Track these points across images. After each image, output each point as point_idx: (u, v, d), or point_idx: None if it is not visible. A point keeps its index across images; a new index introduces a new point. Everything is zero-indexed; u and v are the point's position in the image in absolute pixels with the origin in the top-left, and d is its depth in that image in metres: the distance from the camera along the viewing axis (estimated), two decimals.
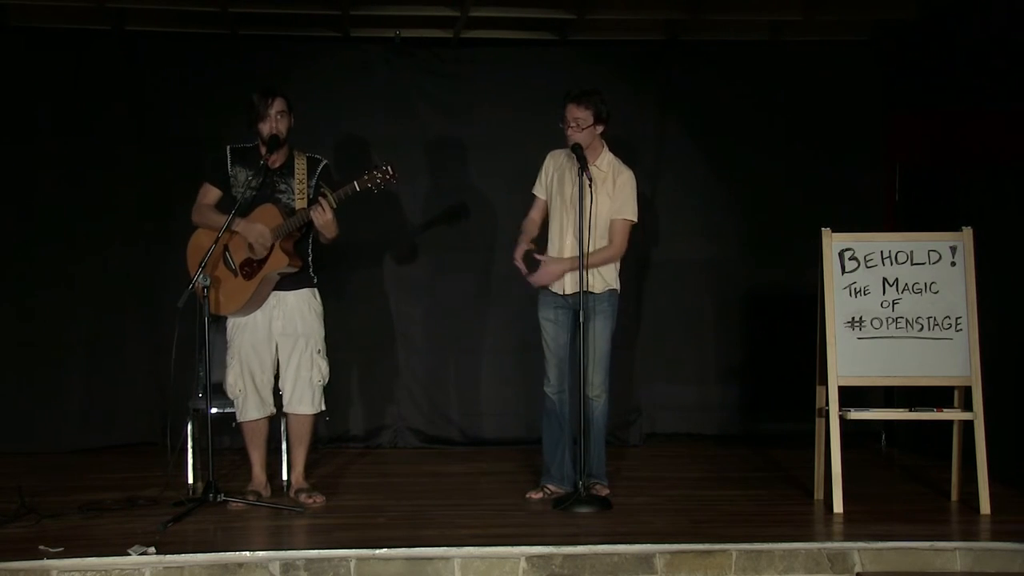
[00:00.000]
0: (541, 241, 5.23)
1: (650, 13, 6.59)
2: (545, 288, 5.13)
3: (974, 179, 6.26)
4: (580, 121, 4.95)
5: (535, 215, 5.24)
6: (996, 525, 4.67)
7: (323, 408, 5.13)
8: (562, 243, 5.07)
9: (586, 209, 4.87)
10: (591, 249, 4.97)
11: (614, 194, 5.06)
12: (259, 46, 6.68)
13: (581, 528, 4.61)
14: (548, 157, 5.22)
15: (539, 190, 5.23)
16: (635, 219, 5.13)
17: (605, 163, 5.10)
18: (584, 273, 4.91)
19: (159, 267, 6.45)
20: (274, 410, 5.12)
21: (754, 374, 6.87)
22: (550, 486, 5.12)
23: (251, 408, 5.04)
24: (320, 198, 4.86)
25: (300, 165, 5.03)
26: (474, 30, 6.69)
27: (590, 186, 4.87)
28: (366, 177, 4.85)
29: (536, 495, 5.10)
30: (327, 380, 5.12)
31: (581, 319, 4.89)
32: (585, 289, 4.95)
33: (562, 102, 5.02)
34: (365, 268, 6.71)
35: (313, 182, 5.01)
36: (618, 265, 5.15)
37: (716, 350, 6.95)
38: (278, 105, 4.94)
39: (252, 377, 5.02)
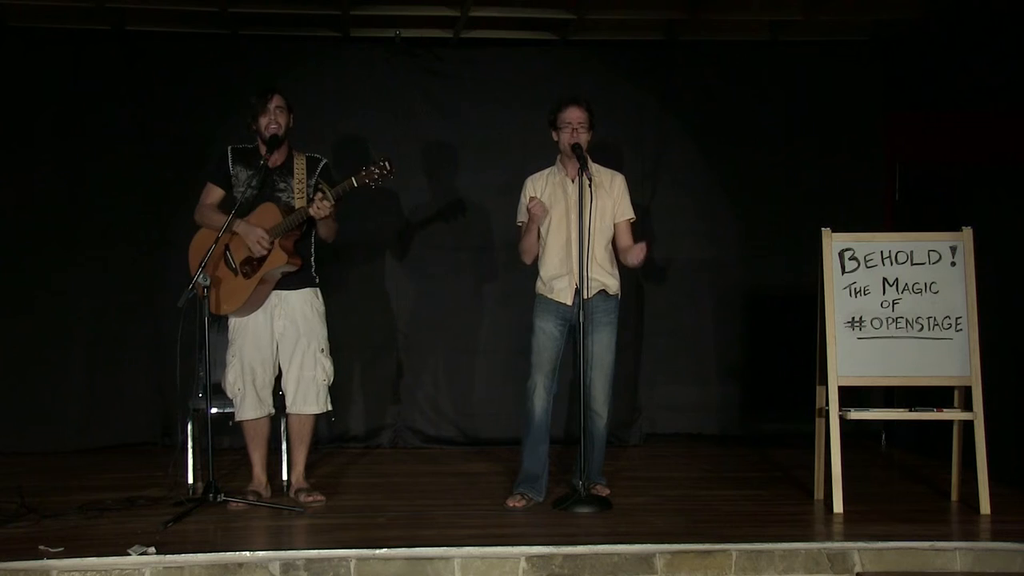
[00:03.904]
0: (534, 268, 5.16)
1: (650, 13, 6.59)
2: (546, 298, 5.07)
3: (974, 179, 6.27)
4: (584, 123, 4.95)
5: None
6: (996, 525, 4.66)
7: (329, 408, 5.13)
8: (568, 251, 5.01)
9: (586, 208, 4.86)
10: (595, 251, 4.97)
11: (617, 198, 5.07)
12: (259, 46, 6.68)
13: (581, 528, 4.60)
14: (528, 182, 5.13)
15: (524, 217, 5.08)
16: (634, 216, 5.16)
17: (594, 168, 5.05)
18: (587, 277, 4.89)
19: (159, 267, 6.46)
20: (272, 410, 5.12)
21: (754, 374, 6.88)
22: (530, 494, 5.02)
23: (248, 408, 5.04)
24: (317, 194, 4.87)
25: (300, 164, 5.04)
26: (474, 30, 6.70)
27: (590, 186, 4.85)
28: (363, 173, 4.84)
29: (519, 503, 4.97)
30: (332, 379, 5.12)
31: (580, 319, 4.86)
32: (600, 290, 4.97)
33: (556, 109, 4.99)
34: (365, 268, 6.71)
35: (312, 181, 5.01)
36: (617, 272, 5.14)
37: (716, 350, 6.95)
38: (276, 101, 4.96)
39: (253, 377, 5.02)
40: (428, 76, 6.80)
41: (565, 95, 5.04)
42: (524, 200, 5.10)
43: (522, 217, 5.11)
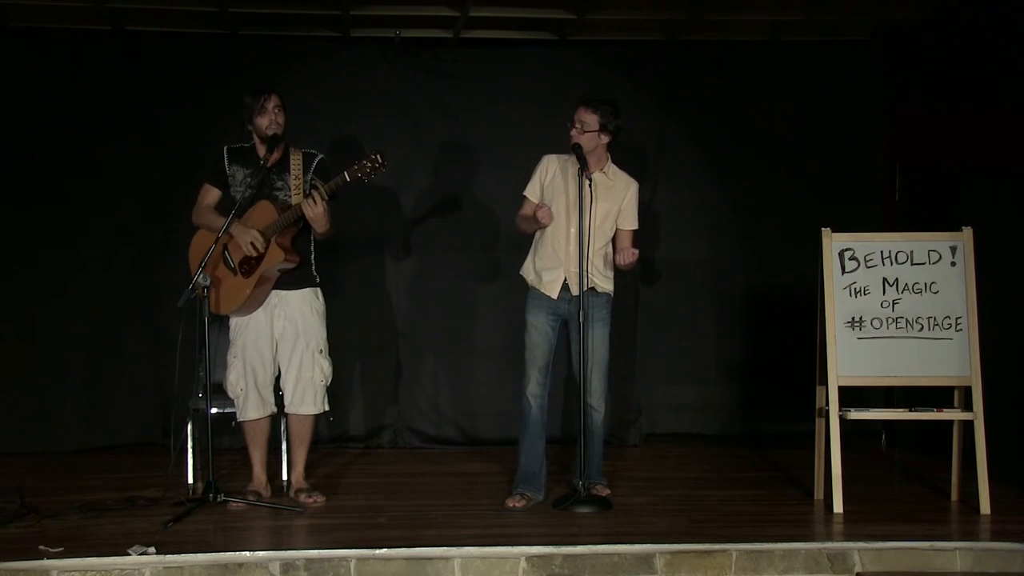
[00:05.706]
0: (528, 242, 5.18)
1: (650, 13, 6.59)
2: (537, 291, 5.09)
3: (974, 179, 6.26)
4: (585, 124, 4.95)
5: (527, 213, 5.16)
6: (996, 525, 4.67)
7: (327, 408, 5.13)
8: (567, 242, 5.02)
9: (586, 209, 4.87)
10: (591, 250, 4.97)
11: (625, 206, 5.07)
12: (259, 46, 6.67)
13: (581, 528, 4.61)
14: (544, 160, 5.16)
15: (532, 192, 5.13)
16: (637, 227, 5.16)
17: (611, 172, 5.09)
18: (585, 274, 4.90)
19: (159, 267, 6.46)
20: (275, 409, 5.13)
21: (754, 374, 6.87)
22: (529, 494, 5.03)
23: (251, 408, 5.05)
24: (312, 190, 4.87)
25: (296, 161, 5.04)
26: (474, 30, 6.69)
27: (590, 186, 4.86)
28: (356, 167, 4.84)
29: (519, 503, 4.97)
30: (330, 380, 5.12)
31: (580, 319, 4.87)
32: (589, 287, 4.95)
33: (574, 103, 5.02)
34: (365, 268, 6.71)
35: (308, 177, 5.02)
36: (611, 273, 5.14)
37: (716, 350, 6.95)
38: (275, 100, 4.97)
39: (254, 377, 5.02)
40: (428, 76, 6.80)
41: (586, 93, 5.06)
42: (537, 176, 5.13)
43: (528, 193, 5.14)
